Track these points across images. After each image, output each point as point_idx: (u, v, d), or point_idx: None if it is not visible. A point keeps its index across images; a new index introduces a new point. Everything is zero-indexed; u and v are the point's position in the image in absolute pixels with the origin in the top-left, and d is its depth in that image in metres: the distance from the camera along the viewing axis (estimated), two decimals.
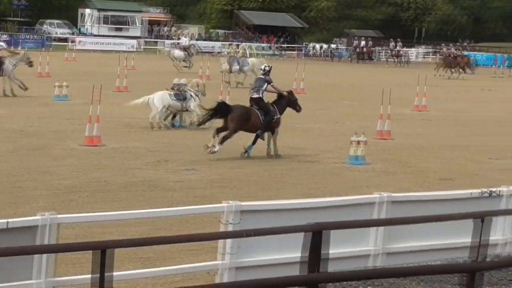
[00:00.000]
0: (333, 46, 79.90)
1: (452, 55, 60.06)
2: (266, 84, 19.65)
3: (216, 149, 18.74)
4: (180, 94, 23.61)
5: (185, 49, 48.68)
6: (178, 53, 48.06)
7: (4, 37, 46.79)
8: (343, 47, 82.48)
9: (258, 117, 19.21)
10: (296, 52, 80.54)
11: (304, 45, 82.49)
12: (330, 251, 8.63)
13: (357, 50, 74.19)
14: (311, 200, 10.48)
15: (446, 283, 9.13)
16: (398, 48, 73.21)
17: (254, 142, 19.34)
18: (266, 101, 19.74)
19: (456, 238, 10.25)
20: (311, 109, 27.32)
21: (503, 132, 26.36)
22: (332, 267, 8.74)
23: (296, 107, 20.30)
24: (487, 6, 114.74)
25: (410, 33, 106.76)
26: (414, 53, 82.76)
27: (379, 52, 77.56)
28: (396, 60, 70.10)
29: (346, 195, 12.52)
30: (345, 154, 19.96)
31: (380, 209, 9.96)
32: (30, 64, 31.94)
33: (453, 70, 55.50)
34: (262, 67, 20.73)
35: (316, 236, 7.65)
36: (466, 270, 8.38)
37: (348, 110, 31.67)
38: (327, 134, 24.43)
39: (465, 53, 71.35)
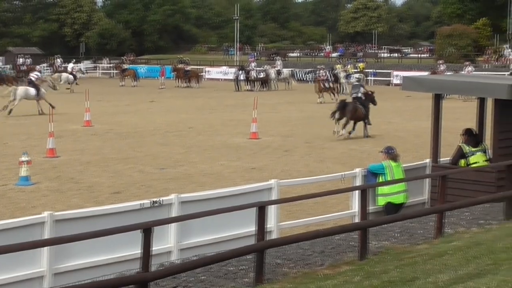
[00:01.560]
0: None
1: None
2: (361, 88, 30.37)
3: (341, 133, 28.26)
4: None
5: None
6: None
7: (38, 68, 50.75)
8: (3, 66, 79.72)
9: (362, 110, 28.67)
10: None
11: None
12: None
13: (19, 68, 72.15)
14: None
15: None
16: (59, 64, 72.22)
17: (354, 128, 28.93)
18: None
19: (128, 251, 10.29)
20: None
21: (168, 142, 27.11)
22: None
23: (374, 102, 30.14)
24: (146, 20, 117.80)
25: (75, 49, 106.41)
26: (81, 68, 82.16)
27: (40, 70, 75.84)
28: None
29: (13, 217, 12.04)
30: (13, 175, 19.32)
31: (45, 229, 9.68)
32: (54, 88, 43.78)
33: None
34: (357, 76, 36.34)
35: None
36: (136, 281, 8.45)
37: (13, 129, 30.71)
38: None
39: (130, 66, 72.72)
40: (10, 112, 36.23)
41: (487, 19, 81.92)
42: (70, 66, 62.80)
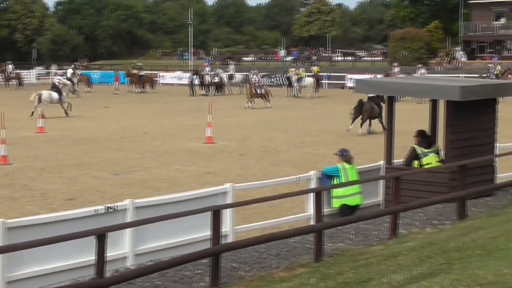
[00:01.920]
0: None
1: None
2: None
3: (360, 131, 30.68)
4: None
5: None
6: None
7: (60, 72, 52.94)
8: None
9: (377, 109, 30.72)
10: None
11: None
12: None
13: None
14: None
15: None
16: (10, 70, 71.10)
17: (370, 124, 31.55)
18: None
19: (83, 257, 10.20)
20: None
21: (123, 148, 26.96)
22: None
23: (382, 100, 29.38)
24: (99, 25, 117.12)
25: (27, 55, 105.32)
26: (33, 74, 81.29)
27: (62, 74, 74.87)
28: (7, 83, 67.94)
29: None
30: None
31: None
32: (73, 92, 50.08)
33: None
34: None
35: None
36: (91, 287, 8.41)
37: None
38: None
39: (83, 72, 72.17)
40: (32, 114, 37.29)
41: (439, 22, 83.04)
42: (69, 72, 59.67)
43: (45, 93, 39.47)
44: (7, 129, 24.88)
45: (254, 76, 48.96)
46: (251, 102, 45.27)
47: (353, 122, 31.37)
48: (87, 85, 63.39)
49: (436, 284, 6.87)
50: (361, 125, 31.17)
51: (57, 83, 41.63)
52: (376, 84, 16.63)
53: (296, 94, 54.50)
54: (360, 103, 31.14)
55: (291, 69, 57.66)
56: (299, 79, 55.01)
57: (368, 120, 31.49)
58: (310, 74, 59.01)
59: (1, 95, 56.73)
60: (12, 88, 66.09)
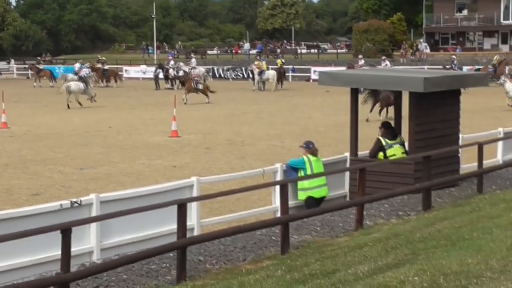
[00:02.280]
0: None
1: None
2: None
3: (380, 117, 30.66)
4: None
5: None
6: None
7: (87, 64, 55.17)
8: None
9: (392, 96, 27.26)
10: None
11: None
12: None
13: None
14: None
15: None
16: None
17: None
18: None
19: (48, 252, 10.13)
20: None
21: (88, 142, 26.78)
22: None
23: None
24: (62, 20, 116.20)
25: None
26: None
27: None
28: None
29: None
30: None
31: None
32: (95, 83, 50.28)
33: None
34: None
35: None
36: (57, 282, 8.36)
37: None
38: None
39: (46, 67, 71.57)
40: (68, 106, 40.31)
41: (402, 14, 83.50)
42: (77, 66, 58.40)
43: (73, 85, 41.95)
44: None
45: (192, 70, 47.93)
46: (187, 97, 43.09)
47: (371, 111, 31.94)
48: (50, 80, 62.95)
49: (402, 275, 6.92)
50: (379, 113, 32.01)
51: (83, 75, 44.44)
52: (340, 76, 16.69)
53: (260, 87, 54.53)
54: (376, 92, 31.27)
55: (256, 62, 57.69)
56: (261, 72, 55.08)
57: (385, 108, 32.18)
58: (275, 67, 59.06)
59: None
60: None
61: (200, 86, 44.21)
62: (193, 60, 65.26)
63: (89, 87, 42.99)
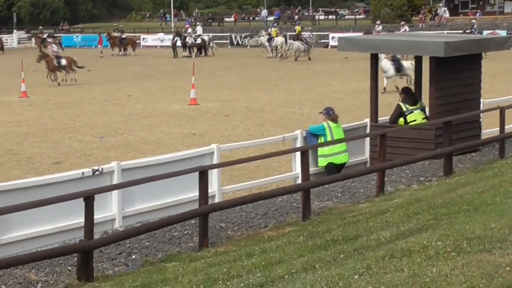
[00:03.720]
0: None
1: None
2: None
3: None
4: None
5: None
6: None
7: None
8: None
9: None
10: None
11: None
12: None
13: None
14: None
15: (66, 266, 9.06)
16: None
17: None
18: None
19: (71, 220, 10.19)
20: None
21: (107, 111, 26.83)
22: None
23: None
24: None
25: (7, 19, 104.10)
26: (14, 38, 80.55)
27: None
28: None
29: None
30: None
31: None
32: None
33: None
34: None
35: None
36: (80, 249, 8.42)
37: None
38: None
39: (65, 36, 71.29)
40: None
41: None
42: (199, 28, 59.84)
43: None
44: None
45: (53, 45, 40.41)
46: (53, 76, 37.31)
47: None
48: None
49: (424, 240, 6.89)
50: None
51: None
52: (359, 41, 16.57)
53: (272, 55, 54.41)
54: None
55: (274, 29, 57.36)
56: (270, 39, 55.08)
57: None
58: (293, 33, 58.67)
59: None
60: None
61: (64, 62, 38.05)
62: (199, 27, 63.53)
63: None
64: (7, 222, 9.66)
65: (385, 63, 29.60)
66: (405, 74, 30.05)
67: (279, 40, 54.59)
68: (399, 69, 29.96)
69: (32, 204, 8.47)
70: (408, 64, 29.27)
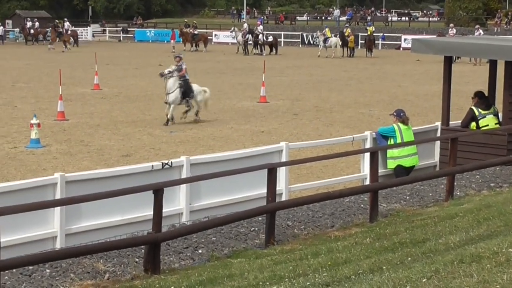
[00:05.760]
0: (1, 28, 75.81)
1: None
2: None
3: None
4: None
5: None
6: None
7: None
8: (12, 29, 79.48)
9: None
10: None
11: None
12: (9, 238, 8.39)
13: (28, 31, 71.43)
14: None
15: (133, 257, 9.17)
16: (66, 28, 70.77)
17: None
18: None
19: (139, 212, 10.32)
20: None
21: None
22: (14, 253, 8.40)
23: None
24: None
25: (83, 12, 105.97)
26: (89, 32, 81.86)
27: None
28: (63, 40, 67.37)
29: (23, 179, 12.07)
30: (23, 138, 19.42)
31: (57, 190, 9.69)
32: None
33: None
34: None
35: None
36: (148, 241, 8.51)
37: (22, 93, 30.71)
38: (3, 118, 23.49)
39: (138, 30, 72.05)
40: None
41: None
42: (259, 28, 59.68)
43: None
44: (64, 86, 25.19)
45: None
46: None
47: None
48: (70, 44, 61.01)
49: (495, 246, 6.78)
50: None
51: None
52: (434, 44, 16.36)
53: (326, 54, 54.54)
54: None
55: (347, 30, 57.17)
56: (325, 40, 55.67)
57: None
58: (365, 34, 58.36)
59: (57, 53, 57.25)
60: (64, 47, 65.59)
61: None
62: (260, 27, 62.71)
63: None
64: (78, 212, 9.84)
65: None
66: None
67: (333, 40, 55.17)
68: None
69: (102, 195, 8.60)
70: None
